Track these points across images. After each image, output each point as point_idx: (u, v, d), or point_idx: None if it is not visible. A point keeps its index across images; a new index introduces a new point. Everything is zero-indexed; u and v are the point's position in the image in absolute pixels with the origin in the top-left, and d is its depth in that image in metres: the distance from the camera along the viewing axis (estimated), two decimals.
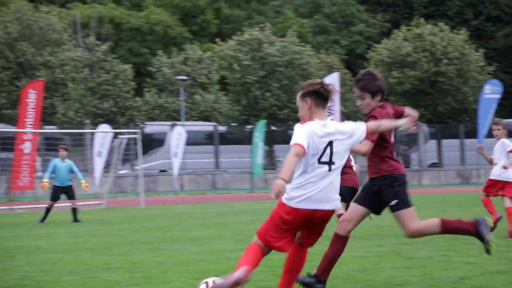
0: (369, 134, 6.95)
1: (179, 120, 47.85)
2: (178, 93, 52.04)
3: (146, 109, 49.44)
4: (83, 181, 20.07)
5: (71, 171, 19.46)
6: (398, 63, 50.32)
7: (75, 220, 18.90)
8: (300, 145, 6.39)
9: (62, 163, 19.44)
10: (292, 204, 6.50)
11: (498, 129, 12.61)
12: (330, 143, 6.58)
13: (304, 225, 6.63)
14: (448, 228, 7.21)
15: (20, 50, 45.92)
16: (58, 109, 44.06)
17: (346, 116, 53.75)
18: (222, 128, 46.13)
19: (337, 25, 70.76)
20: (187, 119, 48.93)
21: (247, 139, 44.97)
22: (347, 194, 12.57)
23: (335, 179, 6.61)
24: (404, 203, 7.23)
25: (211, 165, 43.69)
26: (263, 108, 46.04)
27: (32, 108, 29.35)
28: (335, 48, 67.79)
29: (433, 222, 7.20)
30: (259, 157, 39.60)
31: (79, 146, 38.61)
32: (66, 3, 70.72)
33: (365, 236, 13.13)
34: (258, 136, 39.57)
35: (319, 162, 6.52)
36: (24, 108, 29.29)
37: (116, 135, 31.72)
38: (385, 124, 7.06)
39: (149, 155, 42.81)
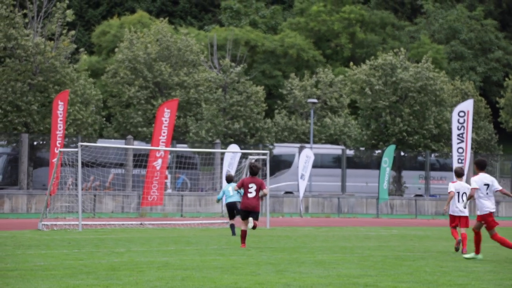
0: None
1: (307, 142, 48.00)
2: (308, 115, 52.24)
3: (276, 131, 49.90)
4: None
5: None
6: None
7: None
8: None
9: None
10: None
11: None
12: None
13: None
14: None
15: (158, 70, 47.48)
16: (190, 128, 45.18)
17: (478, 144, 52.26)
18: (350, 152, 45.90)
19: (473, 52, 69.09)
20: (315, 142, 49.01)
21: (374, 164, 44.55)
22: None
23: None
24: None
25: (337, 189, 43.54)
26: (392, 134, 45.50)
27: (166, 126, 30.29)
28: (470, 74, 66.21)
29: None
30: (386, 183, 39.12)
31: (208, 165, 39.42)
32: (204, 26, 72.68)
33: (496, 269, 12.73)
34: (386, 161, 39.12)
35: None
36: (159, 126, 30.27)
37: (245, 156, 32.18)
38: None
39: (276, 176, 43.16)
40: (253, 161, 28.17)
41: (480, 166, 14.95)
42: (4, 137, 37.98)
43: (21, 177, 35.86)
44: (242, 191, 16.98)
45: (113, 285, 9.88)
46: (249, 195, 16.81)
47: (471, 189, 14.74)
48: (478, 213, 14.72)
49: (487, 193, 14.62)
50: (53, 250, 15.42)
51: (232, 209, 22.16)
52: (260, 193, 16.93)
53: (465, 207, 15.79)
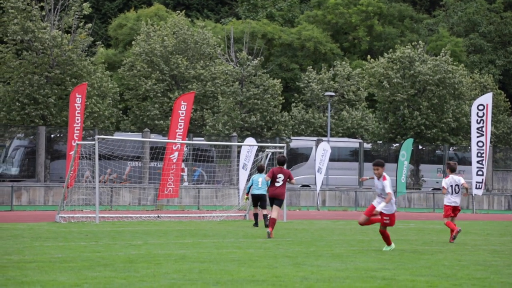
0: None
1: (324, 135, 47.86)
2: (325, 109, 52.08)
3: (293, 124, 49.76)
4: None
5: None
6: None
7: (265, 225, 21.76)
8: None
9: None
10: None
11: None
12: None
13: None
14: None
15: (175, 63, 47.47)
16: (207, 121, 45.16)
17: (498, 137, 51.90)
18: (367, 146, 45.70)
19: (493, 44, 68.55)
20: (332, 135, 48.85)
21: (392, 158, 44.32)
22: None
23: None
24: None
25: (354, 182, 43.39)
26: (410, 127, 45.27)
27: (182, 119, 30.27)
28: (490, 68, 65.73)
29: None
30: (404, 176, 38.93)
31: (225, 158, 39.37)
32: (221, 19, 72.59)
33: None
34: (404, 155, 38.90)
35: None
36: (176, 119, 30.24)
37: (261, 149, 32.11)
38: None
39: (292, 170, 43.08)
40: (269, 154, 28.17)
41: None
42: (22, 129, 38.15)
43: (38, 170, 36.00)
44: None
45: (130, 277, 9.86)
46: (277, 184, 18.16)
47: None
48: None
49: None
50: (70, 242, 15.44)
51: (258, 200, 22.56)
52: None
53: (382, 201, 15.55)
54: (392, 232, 21.34)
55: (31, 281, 9.41)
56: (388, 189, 14.43)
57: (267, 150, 28.35)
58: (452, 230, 17.40)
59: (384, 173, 14.71)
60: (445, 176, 17.99)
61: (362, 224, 14.99)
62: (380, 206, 14.47)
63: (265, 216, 22.35)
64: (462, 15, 70.40)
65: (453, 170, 17.90)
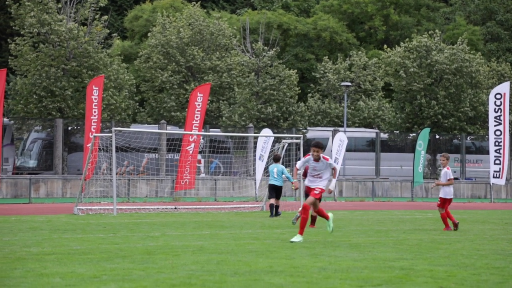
0: None
1: (341, 126, 47.76)
2: (341, 99, 51.96)
3: (309, 115, 49.68)
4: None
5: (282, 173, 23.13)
6: None
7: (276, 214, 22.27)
8: None
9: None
10: None
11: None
12: None
13: None
14: None
15: (191, 54, 47.49)
16: (223, 112, 45.18)
17: None
18: (384, 136, 45.55)
19: (510, 33, 68.06)
20: (349, 126, 48.74)
21: (409, 147, 44.20)
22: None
23: None
24: None
25: (371, 172, 43.28)
26: (427, 116, 45.08)
27: (198, 110, 30.33)
28: (507, 56, 65.27)
29: None
30: (421, 166, 38.81)
31: (242, 149, 39.40)
32: (236, 9, 72.49)
33: None
34: (421, 145, 38.78)
35: None
36: (192, 110, 30.31)
37: (278, 140, 32.09)
38: None
39: None
40: (286, 145, 28.16)
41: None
42: (39, 122, 38.34)
43: (56, 162, 36.18)
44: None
45: (149, 268, 9.90)
46: None
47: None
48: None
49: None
50: (88, 234, 15.52)
51: (274, 191, 22.43)
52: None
53: None
54: (409, 222, 21.30)
55: (50, 273, 9.47)
56: (334, 164, 14.97)
57: (283, 141, 28.31)
58: (446, 224, 17.81)
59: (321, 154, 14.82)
60: (446, 167, 18.05)
61: (316, 211, 15.11)
62: (332, 184, 15.21)
63: (272, 205, 22.55)
64: (479, 3, 69.92)
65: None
